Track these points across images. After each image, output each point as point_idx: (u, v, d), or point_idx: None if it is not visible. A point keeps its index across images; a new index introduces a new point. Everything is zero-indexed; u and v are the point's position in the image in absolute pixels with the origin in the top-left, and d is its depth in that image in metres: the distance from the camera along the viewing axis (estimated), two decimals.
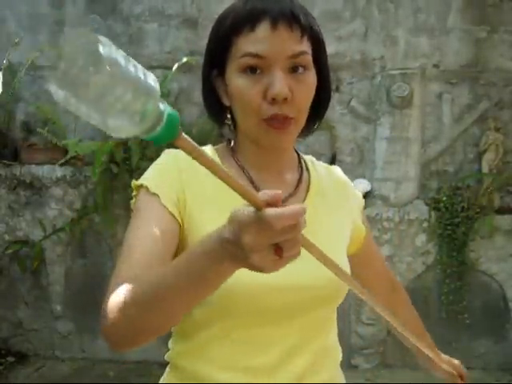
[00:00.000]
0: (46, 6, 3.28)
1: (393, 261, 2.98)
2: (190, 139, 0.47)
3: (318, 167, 0.93)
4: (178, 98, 3.18)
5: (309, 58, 0.77)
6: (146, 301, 0.63)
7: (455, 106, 3.11)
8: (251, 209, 0.50)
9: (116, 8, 3.24)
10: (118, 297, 0.65)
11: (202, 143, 0.96)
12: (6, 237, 3.18)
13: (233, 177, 0.52)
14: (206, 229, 0.77)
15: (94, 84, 0.36)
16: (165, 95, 3.06)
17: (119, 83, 0.37)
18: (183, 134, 0.46)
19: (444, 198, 2.99)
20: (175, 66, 2.98)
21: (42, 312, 3.22)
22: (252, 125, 0.78)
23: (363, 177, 3.11)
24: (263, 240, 0.49)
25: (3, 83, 3.06)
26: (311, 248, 0.57)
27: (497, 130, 3.02)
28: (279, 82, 0.73)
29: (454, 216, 2.95)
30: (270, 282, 0.71)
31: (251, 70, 0.75)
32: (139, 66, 0.40)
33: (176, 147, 0.47)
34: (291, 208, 0.49)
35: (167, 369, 0.88)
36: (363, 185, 3.01)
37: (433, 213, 3.01)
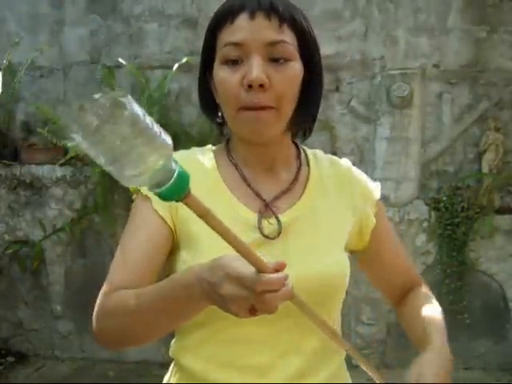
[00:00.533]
0: (46, 6, 3.28)
1: None
2: (198, 200, 0.50)
3: (321, 161, 0.90)
4: (178, 98, 3.18)
5: (290, 48, 0.76)
6: (128, 315, 0.70)
7: (455, 106, 3.10)
8: (244, 263, 0.55)
9: (116, 8, 3.24)
10: (105, 306, 0.73)
11: (202, 143, 0.96)
12: (6, 237, 3.18)
13: (239, 240, 0.56)
14: (197, 236, 0.78)
15: (115, 135, 0.40)
16: (165, 95, 3.07)
17: (137, 136, 0.41)
18: (192, 194, 0.49)
19: (444, 198, 2.99)
20: (175, 66, 2.97)
21: (42, 312, 3.22)
22: (231, 116, 0.78)
23: None
24: (242, 296, 0.54)
25: (3, 83, 3.06)
26: (303, 308, 0.63)
27: (497, 130, 3.02)
28: (255, 68, 0.73)
29: (454, 216, 2.95)
30: None
31: (232, 62, 0.76)
32: (155, 124, 0.43)
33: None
34: (276, 276, 0.54)
35: (172, 364, 0.89)
36: None
37: (433, 213, 3.01)
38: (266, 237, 0.79)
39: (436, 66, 3.10)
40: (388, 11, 3.10)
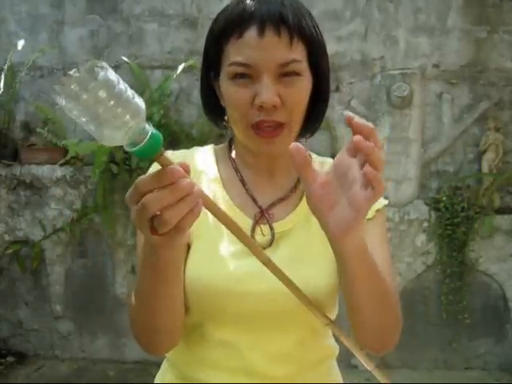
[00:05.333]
0: (46, 6, 3.28)
1: (393, 261, 2.98)
2: (169, 159, 0.52)
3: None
4: (178, 98, 3.18)
5: (300, 66, 0.74)
6: (136, 311, 0.72)
7: (455, 106, 3.10)
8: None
9: (116, 8, 3.24)
10: (129, 315, 0.75)
11: (202, 143, 0.96)
12: (6, 237, 3.18)
13: (214, 203, 0.58)
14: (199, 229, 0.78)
15: (92, 98, 0.44)
16: (166, 95, 3.06)
17: (111, 98, 0.45)
18: (165, 154, 0.52)
19: (444, 198, 2.99)
20: (180, 67, 2.96)
21: (42, 312, 3.22)
22: (241, 130, 0.78)
23: None
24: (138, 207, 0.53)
25: (3, 83, 3.06)
26: (279, 274, 0.63)
27: (497, 130, 3.02)
28: (267, 90, 0.72)
29: (454, 216, 2.95)
30: (252, 289, 0.74)
31: (241, 76, 0.74)
32: (129, 89, 0.48)
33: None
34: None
35: (164, 361, 0.90)
36: None
37: (433, 213, 3.01)
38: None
39: (436, 65, 3.10)
40: (388, 11, 3.11)
